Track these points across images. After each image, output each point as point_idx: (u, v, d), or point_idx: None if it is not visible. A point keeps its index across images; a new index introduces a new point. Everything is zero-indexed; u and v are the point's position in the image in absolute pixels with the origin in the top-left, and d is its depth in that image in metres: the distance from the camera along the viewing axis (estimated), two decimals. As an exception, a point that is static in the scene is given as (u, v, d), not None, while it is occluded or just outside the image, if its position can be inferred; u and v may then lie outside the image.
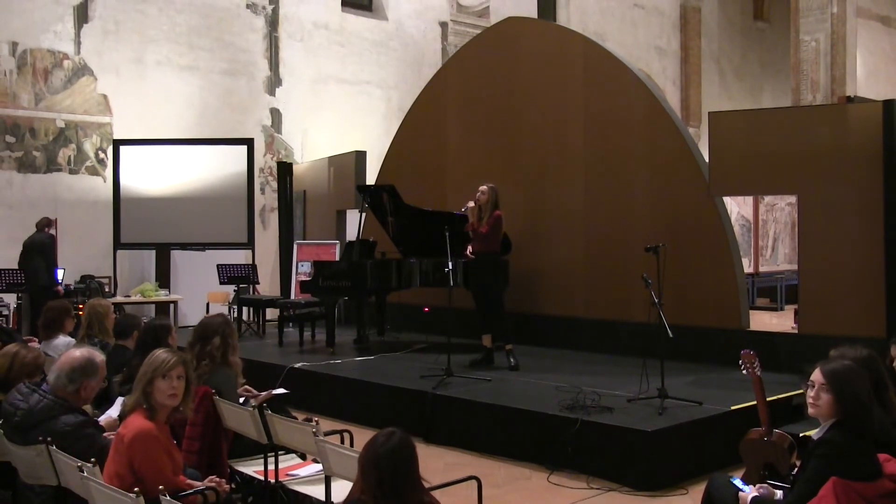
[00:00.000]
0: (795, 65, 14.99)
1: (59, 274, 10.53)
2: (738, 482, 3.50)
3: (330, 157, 11.85)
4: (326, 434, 3.73)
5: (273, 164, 12.80)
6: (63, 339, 5.75)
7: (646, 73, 9.78)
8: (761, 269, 13.27)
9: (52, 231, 10.21)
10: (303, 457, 4.36)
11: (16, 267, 9.90)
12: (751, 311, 8.16)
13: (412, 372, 7.20)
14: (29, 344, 5.19)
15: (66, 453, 3.38)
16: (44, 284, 9.80)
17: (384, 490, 2.62)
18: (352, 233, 10.38)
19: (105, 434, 3.82)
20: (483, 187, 7.46)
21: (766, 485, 3.45)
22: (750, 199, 13.02)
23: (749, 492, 3.36)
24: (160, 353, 3.56)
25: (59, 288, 10.09)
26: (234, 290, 10.71)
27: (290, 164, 12.41)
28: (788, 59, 15.70)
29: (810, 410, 3.24)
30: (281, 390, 5.10)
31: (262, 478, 4.13)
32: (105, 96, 11.58)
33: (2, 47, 10.84)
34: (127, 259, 11.71)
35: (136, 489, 2.87)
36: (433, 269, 8.19)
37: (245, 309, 10.77)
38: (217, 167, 11.76)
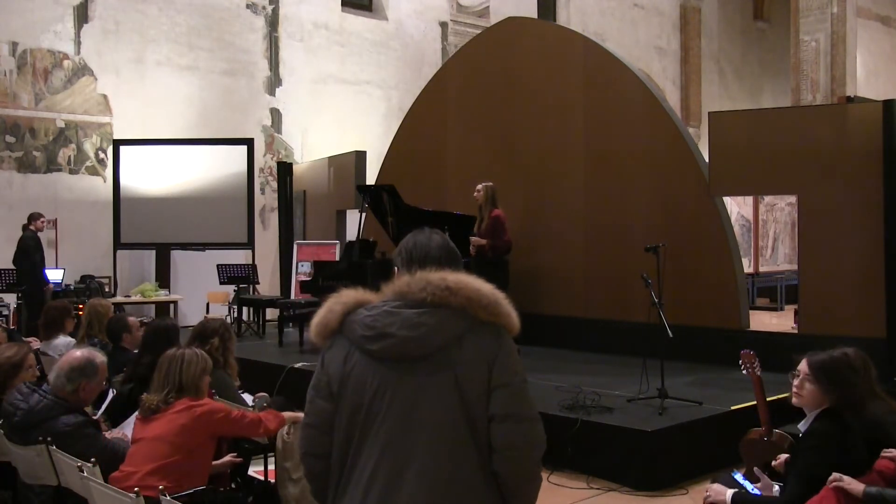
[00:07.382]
0: (795, 65, 14.99)
1: (59, 274, 10.53)
2: (738, 476, 3.50)
3: (330, 157, 11.85)
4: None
5: (273, 164, 12.79)
6: (63, 339, 5.74)
7: (646, 73, 9.79)
8: (761, 269, 13.25)
9: (40, 225, 10.05)
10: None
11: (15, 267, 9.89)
12: (751, 311, 8.16)
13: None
14: (31, 343, 5.20)
15: (66, 453, 3.38)
16: (35, 284, 9.77)
17: None
18: (352, 233, 10.38)
19: (106, 434, 3.82)
20: (479, 186, 7.47)
21: (766, 475, 3.46)
22: (750, 199, 13.00)
23: (751, 489, 3.37)
24: (203, 353, 3.77)
25: (49, 286, 10.03)
26: (234, 290, 10.70)
27: (290, 164, 12.40)
28: (788, 59, 15.69)
29: (794, 399, 3.27)
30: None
31: (262, 478, 4.13)
32: (105, 96, 11.58)
33: (2, 47, 10.84)
34: (127, 259, 11.71)
35: (136, 489, 2.89)
36: (433, 269, 8.16)
37: (245, 309, 10.75)
38: (217, 167, 11.76)
